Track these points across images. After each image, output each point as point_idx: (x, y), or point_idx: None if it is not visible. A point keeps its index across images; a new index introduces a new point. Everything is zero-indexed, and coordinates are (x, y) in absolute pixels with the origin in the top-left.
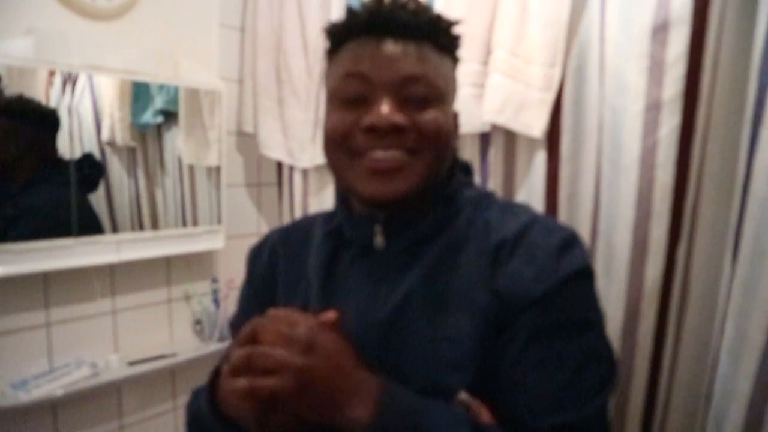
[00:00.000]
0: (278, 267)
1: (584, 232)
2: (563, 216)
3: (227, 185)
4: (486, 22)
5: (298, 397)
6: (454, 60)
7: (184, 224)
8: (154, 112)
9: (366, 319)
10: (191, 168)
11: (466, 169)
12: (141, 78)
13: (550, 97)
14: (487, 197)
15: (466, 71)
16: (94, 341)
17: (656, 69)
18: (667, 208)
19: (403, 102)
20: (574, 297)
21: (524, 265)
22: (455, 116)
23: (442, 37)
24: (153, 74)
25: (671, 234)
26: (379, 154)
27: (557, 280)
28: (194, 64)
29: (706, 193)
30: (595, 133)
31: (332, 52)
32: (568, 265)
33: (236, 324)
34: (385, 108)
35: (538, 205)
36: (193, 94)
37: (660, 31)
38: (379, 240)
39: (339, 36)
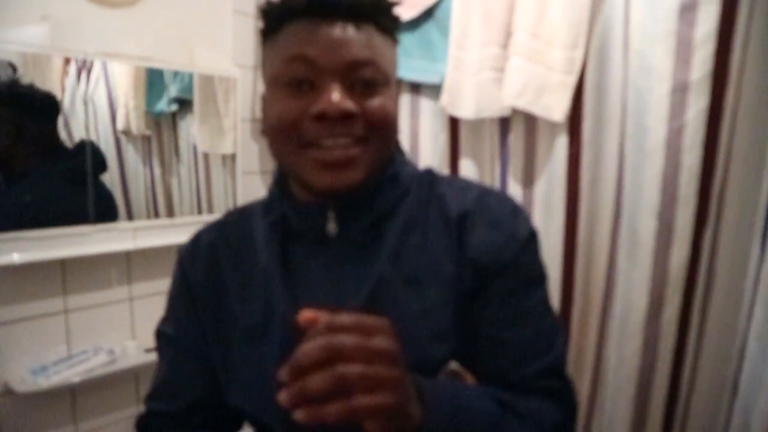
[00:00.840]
0: (222, 269)
1: (606, 217)
2: (585, 202)
3: (242, 173)
4: (506, 4)
5: (399, 411)
6: (395, 41)
7: (200, 212)
8: (168, 100)
9: (341, 303)
10: (206, 156)
11: (398, 146)
12: (155, 65)
13: (571, 80)
14: (429, 174)
15: (485, 55)
16: (112, 328)
17: (683, 49)
18: (693, 193)
19: (350, 87)
20: (532, 255)
21: (490, 233)
22: (397, 97)
23: (384, 19)
24: (167, 61)
25: (697, 219)
26: (330, 143)
27: (520, 243)
28: (208, 50)
29: (734, 176)
30: (618, 116)
31: (270, 33)
32: (524, 228)
33: (168, 334)
34: (335, 95)
35: (559, 191)
36: (208, 81)
37: (688, 9)
38: (332, 227)
39: (278, 16)
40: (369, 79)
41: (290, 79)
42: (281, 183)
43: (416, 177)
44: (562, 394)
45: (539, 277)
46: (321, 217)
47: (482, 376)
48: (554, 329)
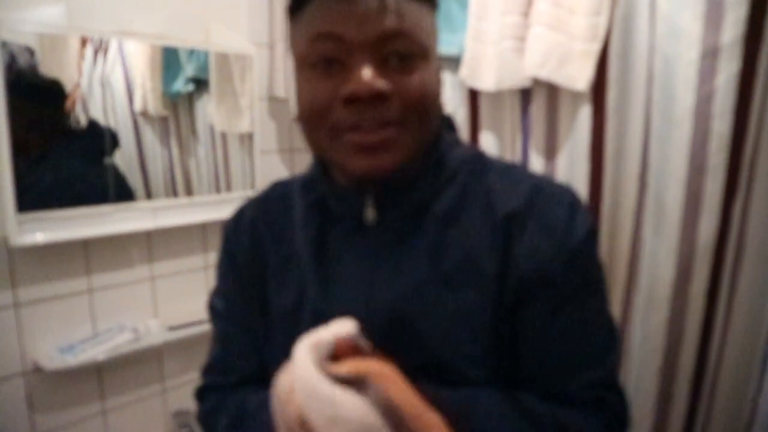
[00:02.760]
0: (263, 246)
1: (631, 189)
2: (609, 173)
3: (260, 152)
4: None
5: None
6: (432, 7)
7: (218, 191)
8: (185, 80)
9: (372, 300)
10: (224, 135)
11: (449, 124)
12: (171, 43)
13: (595, 48)
14: (480, 159)
15: (505, 23)
16: (135, 307)
17: (714, 12)
18: (723, 161)
19: (383, 62)
20: (587, 258)
21: (540, 240)
22: (438, 70)
23: None
24: (183, 39)
25: (727, 189)
26: (363, 129)
27: (574, 248)
28: (224, 28)
29: (766, 143)
30: (643, 84)
31: (295, 11)
32: (581, 229)
33: (218, 308)
34: (366, 73)
35: (582, 163)
36: (224, 59)
37: None
38: (370, 214)
39: None
40: (403, 52)
41: (317, 59)
42: (322, 162)
43: (465, 161)
44: (610, 406)
45: (596, 281)
46: (359, 202)
47: (523, 384)
48: (608, 340)
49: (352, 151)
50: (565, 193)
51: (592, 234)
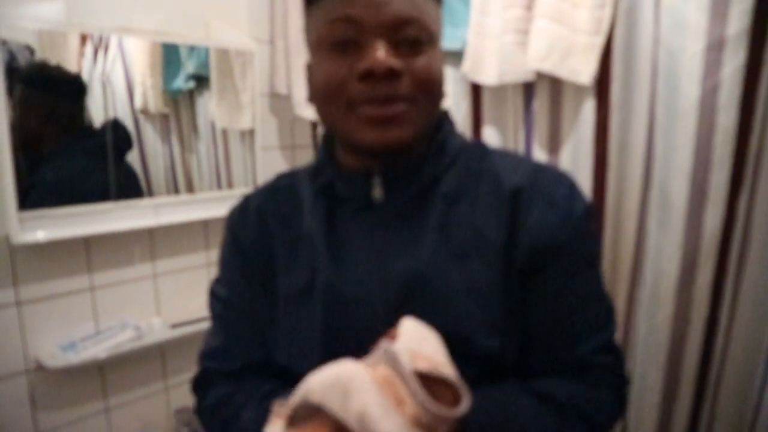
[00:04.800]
0: (270, 233)
1: (635, 182)
2: (613, 167)
3: (261, 148)
4: None
5: None
6: (439, 1)
7: (220, 187)
8: (185, 77)
9: (384, 272)
10: (225, 132)
11: (447, 116)
12: (171, 39)
13: (599, 41)
14: (479, 146)
15: (508, 17)
16: (137, 305)
17: (719, 4)
18: (728, 154)
19: (395, 46)
20: (587, 233)
21: (546, 213)
22: (442, 58)
23: None
24: (183, 35)
25: (732, 182)
26: (377, 102)
27: (576, 221)
28: (224, 24)
29: None
30: (648, 77)
31: (312, 1)
32: (580, 206)
33: (222, 296)
34: (381, 52)
35: (586, 157)
36: (224, 55)
37: None
38: (377, 193)
39: None
40: (414, 38)
41: (335, 41)
42: (329, 148)
43: (465, 148)
44: (614, 368)
45: (595, 254)
46: (366, 182)
47: (531, 359)
48: (608, 307)
49: (365, 124)
50: (564, 174)
51: (590, 210)
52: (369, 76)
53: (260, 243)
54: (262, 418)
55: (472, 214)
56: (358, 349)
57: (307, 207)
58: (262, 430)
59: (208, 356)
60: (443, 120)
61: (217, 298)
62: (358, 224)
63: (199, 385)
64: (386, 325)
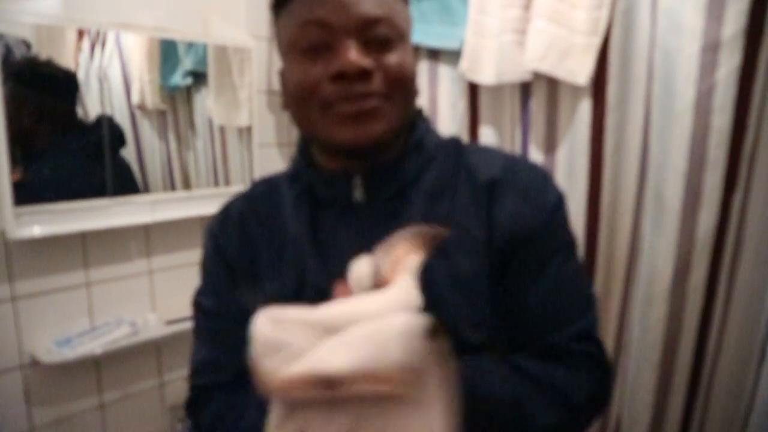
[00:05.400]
0: (254, 239)
1: (630, 183)
2: (608, 168)
3: (259, 145)
4: None
5: None
6: (406, 2)
7: (216, 184)
8: (183, 74)
9: None
10: (222, 129)
11: (421, 115)
12: (169, 35)
13: (596, 42)
14: (455, 143)
15: (506, 17)
16: (132, 301)
17: (715, 5)
18: (722, 155)
19: (366, 45)
20: (562, 221)
21: (520, 203)
22: (412, 54)
23: None
24: (181, 31)
25: (726, 183)
26: (351, 101)
27: (550, 210)
28: (222, 20)
29: (766, 137)
30: (644, 78)
31: (281, 3)
32: (553, 195)
33: (208, 308)
34: (352, 53)
35: (582, 157)
36: (222, 52)
37: None
38: (358, 194)
39: None
40: (384, 37)
41: (306, 45)
42: (306, 153)
43: (442, 144)
44: (593, 356)
45: (571, 242)
46: (347, 184)
47: (513, 344)
48: (588, 294)
49: (340, 122)
50: (536, 166)
51: (562, 200)
52: (341, 77)
53: (244, 253)
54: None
55: (453, 210)
56: None
57: (288, 212)
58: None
59: (197, 373)
60: (418, 118)
61: (203, 309)
62: (342, 226)
63: (193, 407)
64: None
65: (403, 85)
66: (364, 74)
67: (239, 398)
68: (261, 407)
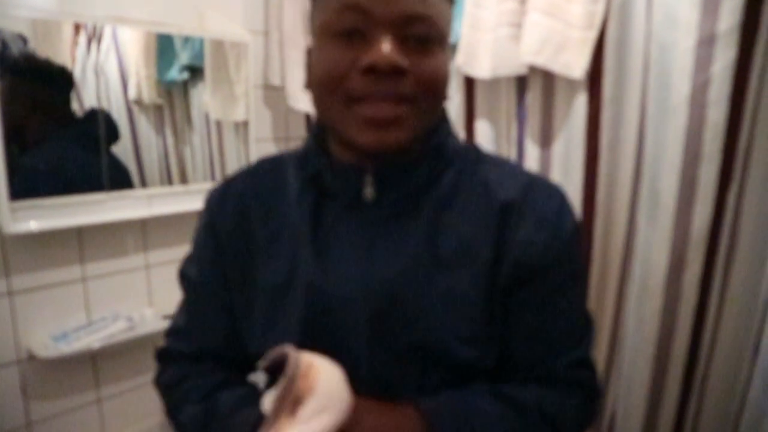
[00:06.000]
0: (250, 219)
1: (626, 177)
2: (604, 161)
3: (255, 140)
4: None
5: None
6: (451, 1)
7: (213, 179)
8: (179, 68)
9: (368, 276)
10: (219, 123)
11: (445, 116)
12: (166, 30)
13: (592, 36)
14: (474, 150)
15: (502, 10)
16: (129, 296)
17: None
18: (717, 149)
19: (403, 42)
20: (574, 250)
21: (536, 232)
22: (449, 59)
23: None
24: (178, 26)
25: (721, 177)
26: (377, 100)
27: (565, 241)
28: (219, 15)
29: (761, 131)
30: (640, 72)
31: None
32: (569, 224)
33: (191, 278)
34: (386, 46)
35: (577, 151)
36: (219, 47)
37: None
38: (368, 192)
39: None
40: (423, 36)
41: (341, 29)
42: (319, 138)
43: (460, 151)
44: (585, 381)
45: (580, 270)
46: (359, 179)
47: (507, 367)
48: (587, 322)
49: (363, 124)
50: (557, 189)
51: (578, 228)
52: (372, 71)
53: (238, 231)
54: (201, 416)
55: (461, 224)
56: (335, 347)
57: (292, 197)
58: (199, 428)
59: (170, 334)
60: (441, 121)
61: (186, 277)
62: (346, 222)
63: (160, 358)
64: (365, 328)
65: (434, 92)
66: (396, 72)
67: (194, 373)
68: (206, 398)
